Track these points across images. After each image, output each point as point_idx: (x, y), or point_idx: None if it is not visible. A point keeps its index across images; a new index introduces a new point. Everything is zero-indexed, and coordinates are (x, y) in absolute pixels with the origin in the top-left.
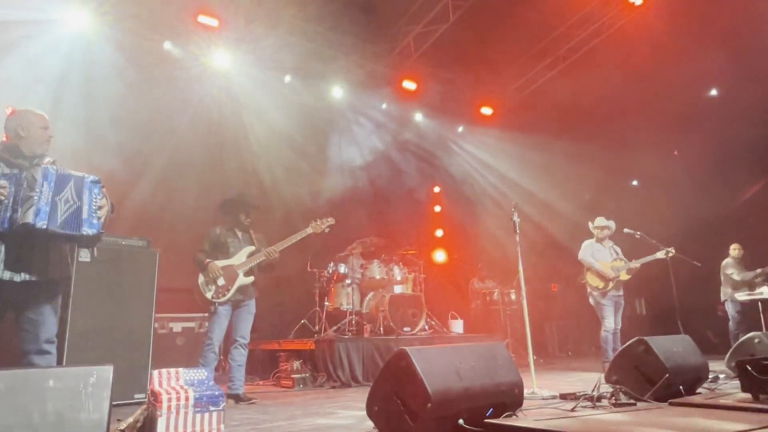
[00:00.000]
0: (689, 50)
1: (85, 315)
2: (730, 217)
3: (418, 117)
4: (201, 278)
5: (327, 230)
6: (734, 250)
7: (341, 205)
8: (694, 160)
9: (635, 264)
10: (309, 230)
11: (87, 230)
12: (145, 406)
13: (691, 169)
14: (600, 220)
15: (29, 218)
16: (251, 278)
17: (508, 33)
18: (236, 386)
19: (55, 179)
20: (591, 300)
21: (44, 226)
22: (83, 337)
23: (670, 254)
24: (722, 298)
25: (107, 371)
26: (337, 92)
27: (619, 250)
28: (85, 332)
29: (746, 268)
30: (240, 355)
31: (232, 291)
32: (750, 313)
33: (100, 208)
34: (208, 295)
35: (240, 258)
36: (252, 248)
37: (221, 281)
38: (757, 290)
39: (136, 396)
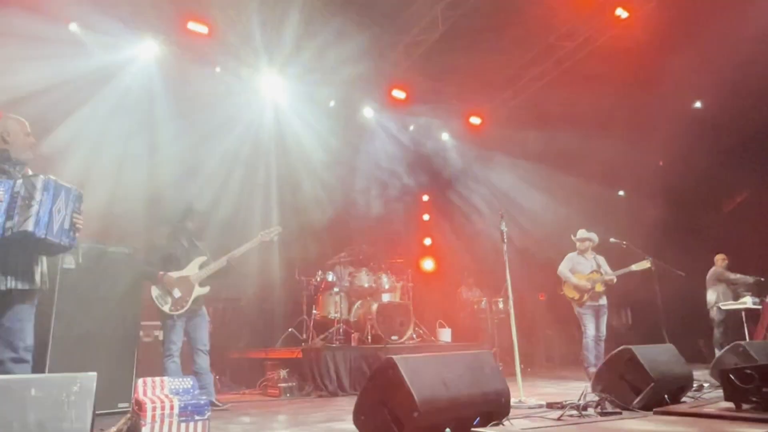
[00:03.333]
0: (674, 63)
1: (68, 322)
2: (714, 227)
3: (408, 126)
4: (154, 291)
5: (275, 238)
6: (722, 260)
7: (330, 214)
8: (679, 170)
9: (610, 277)
10: (256, 240)
11: (66, 241)
12: (129, 416)
13: (676, 180)
14: (581, 233)
15: (29, 227)
16: (207, 288)
17: (496, 44)
18: (207, 393)
19: (53, 190)
20: (575, 309)
21: (43, 236)
22: (67, 345)
23: (645, 267)
24: (708, 307)
25: (91, 379)
26: (328, 102)
27: (602, 261)
28: (68, 339)
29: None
30: (204, 362)
31: (190, 302)
32: (734, 323)
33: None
34: (165, 308)
35: (192, 269)
36: (203, 258)
37: (177, 293)
38: (740, 300)
39: (120, 405)
